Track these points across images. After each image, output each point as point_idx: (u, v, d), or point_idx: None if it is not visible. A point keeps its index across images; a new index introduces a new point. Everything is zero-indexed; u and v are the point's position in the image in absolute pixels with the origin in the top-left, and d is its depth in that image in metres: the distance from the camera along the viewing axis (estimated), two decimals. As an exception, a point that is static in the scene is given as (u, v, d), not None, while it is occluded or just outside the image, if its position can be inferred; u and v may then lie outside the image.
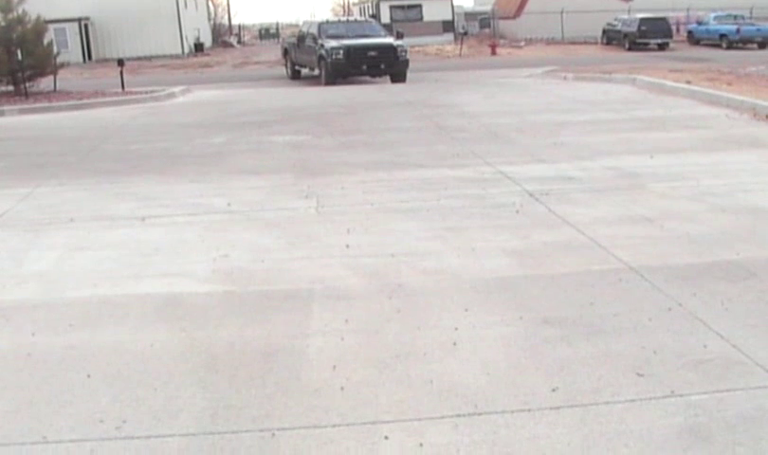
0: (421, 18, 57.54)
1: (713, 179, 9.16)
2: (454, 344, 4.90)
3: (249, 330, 5.25)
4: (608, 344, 4.84)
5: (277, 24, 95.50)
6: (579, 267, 6.29)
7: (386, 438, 3.85)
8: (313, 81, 28.60)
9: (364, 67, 28.46)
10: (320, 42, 29.01)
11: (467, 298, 5.69)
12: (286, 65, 34.47)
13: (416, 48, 49.61)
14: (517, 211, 8.04)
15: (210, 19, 73.74)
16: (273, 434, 3.93)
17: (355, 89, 23.79)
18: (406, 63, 28.92)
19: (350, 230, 7.50)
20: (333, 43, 28.34)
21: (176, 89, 23.69)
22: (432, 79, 27.03)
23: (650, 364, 4.54)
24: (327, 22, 32.98)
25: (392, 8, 61.08)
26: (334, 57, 27.77)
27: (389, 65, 28.46)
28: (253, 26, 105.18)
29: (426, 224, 7.69)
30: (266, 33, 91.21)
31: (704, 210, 7.86)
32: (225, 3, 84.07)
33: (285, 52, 34.90)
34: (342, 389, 4.37)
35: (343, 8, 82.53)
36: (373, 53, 28.30)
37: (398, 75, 28.67)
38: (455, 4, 63.66)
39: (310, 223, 7.92)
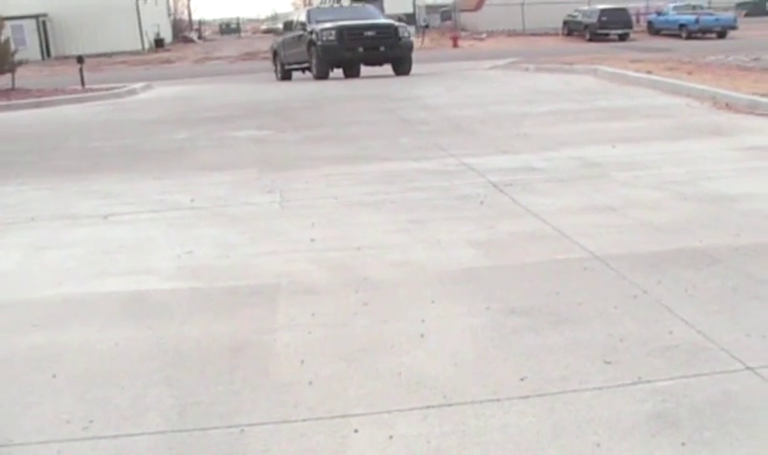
0: (382, 11, 57.54)
1: (675, 167, 9.22)
2: (422, 336, 4.90)
3: (216, 326, 5.22)
4: (575, 332, 4.85)
5: (237, 19, 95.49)
6: (545, 257, 6.31)
7: (356, 431, 3.84)
8: (301, 81, 26.18)
9: (360, 50, 25.11)
10: (309, 28, 25.77)
11: (434, 289, 5.69)
12: (276, 68, 30.32)
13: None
14: (481, 203, 8.05)
15: (169, 15, 73.53)
16: (242, 430, 3.91)
17: (320, 84, 23.71)
18: (410, 46, 25.95)
19: (315, 224, 7.49)
20: (324, 25, 25.28)
21: (137, 85, 23.60)
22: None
23: (617, 351, 4.56)
24: (318, 8, 29.56)
25: (353, 1, 60.96)
26: (325, 39, 24.67)
27: (389, 48, 25.28)
28: (213, 21, 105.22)
29: (391, 216, 7.69)
30: (227, 28, 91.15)
31: (668, 198, 7.90)
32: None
33: (275, 54, 30.67)
34: (311, 383, 4.35)
35: (304, 2, 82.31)
36: (370, 33, 25.25)
37: (402, 61, 25.58)
38: (416, -3, 63.72)
39: (275, 217, 7.90)
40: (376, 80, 24.52)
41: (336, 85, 23.03)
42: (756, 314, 5.01)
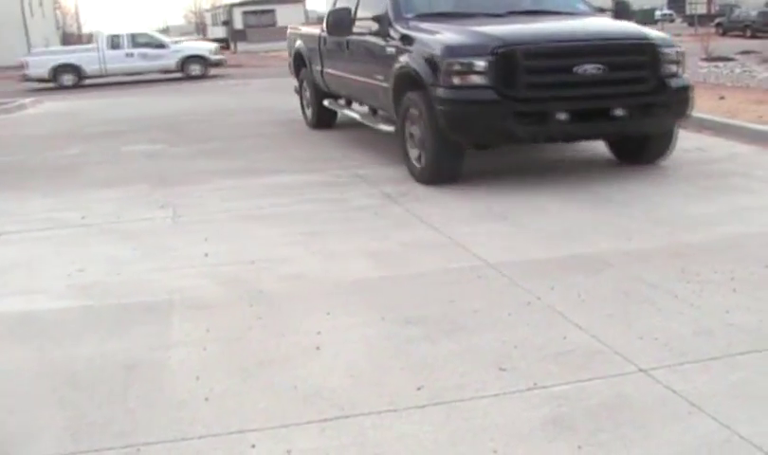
0: (274, 23, 57.27)
1: (566, 174, 9.34)
2: (317, 348, 4.88)
3: (109, 344, 5.12)
4: (470, 340, 4.88)
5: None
6: (438, 266, 6.34)
7: (253, 446, 3.80)
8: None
9: (563, 118, 8.36)
10: (397, 32, 9.78)
11: (329, 301, 5.67)
12: (301, 95, 15.56)
13: (271, 53, 49.60)
14: (375, 213, 8.05)
15: (58, 28, 72.26)
16: (138, 449, 3.83)
17: (209, 96, 23.45)
18: (686, 96, 8.99)
19: (208, 239, 7.40)
20: (446, 34, 8.89)
21: (26, 100, 23.06)
22: (288, 83, 26.64)
23: (512, 358, 4.59)
24: None
25: (244, 13, 60.60)
26: (458, 84, 8.40)
27: (642, 114, 8.64)
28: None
29: (284, 229, 7.64)
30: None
31: (558, 203, 8.00)
32: (73, 11, 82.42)
33: (298, 65, 15.16)
34: (207, 399, 4.30)
35: (195, 14, 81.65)
36: (591, 67, 8.34)
37: (660, 139, 9.38)
38: (309, 9, 63.72)
39: (167, 233, 7.79)
40: (273, 91, 24.20)
41: (226, 98, 22.81)
42: (648, 317, 5.11)
